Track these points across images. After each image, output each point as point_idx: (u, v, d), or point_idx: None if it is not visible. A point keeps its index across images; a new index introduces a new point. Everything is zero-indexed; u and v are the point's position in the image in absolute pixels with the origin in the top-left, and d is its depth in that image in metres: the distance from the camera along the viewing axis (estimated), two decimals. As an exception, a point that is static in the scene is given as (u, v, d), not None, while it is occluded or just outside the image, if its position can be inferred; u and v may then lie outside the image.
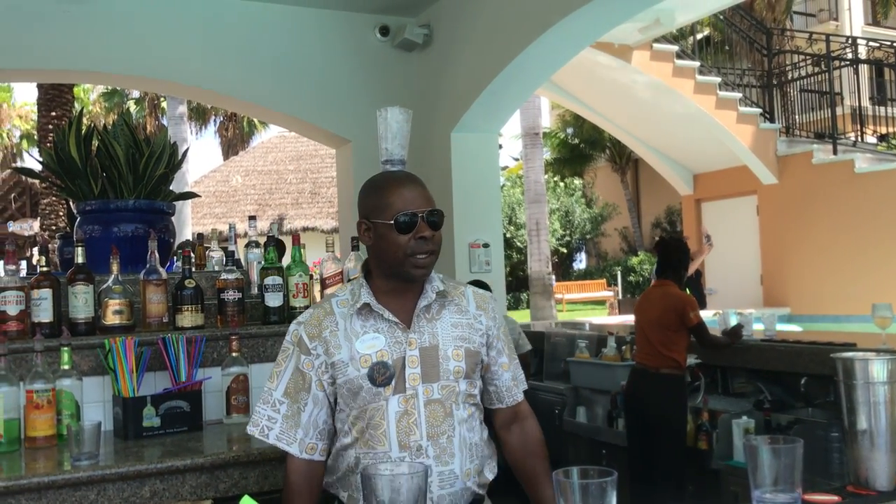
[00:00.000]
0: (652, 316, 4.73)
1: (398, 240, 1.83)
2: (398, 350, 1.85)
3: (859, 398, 1.54)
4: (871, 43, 14.01)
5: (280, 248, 3.55)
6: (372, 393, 1.82)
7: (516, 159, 28.38)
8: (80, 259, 2.89)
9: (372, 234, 1.89)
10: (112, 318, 2.91)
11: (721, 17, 12.88)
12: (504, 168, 27.87)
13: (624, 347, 5.60)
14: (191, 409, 2.75)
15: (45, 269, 2.88)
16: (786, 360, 4.53)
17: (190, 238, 4.78)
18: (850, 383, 1.55)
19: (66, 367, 2.63)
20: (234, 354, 2.89)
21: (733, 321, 5.05)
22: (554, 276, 16.77)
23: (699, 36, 14.20)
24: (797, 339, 4.73)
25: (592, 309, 21.21)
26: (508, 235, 22.22)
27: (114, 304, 2.91)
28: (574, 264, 26.92)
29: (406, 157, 2.03)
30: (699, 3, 9.90)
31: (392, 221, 1.83)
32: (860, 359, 1.54)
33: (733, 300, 11.65)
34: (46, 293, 2.83)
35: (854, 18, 23.13)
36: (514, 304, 21.53)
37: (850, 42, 13.89)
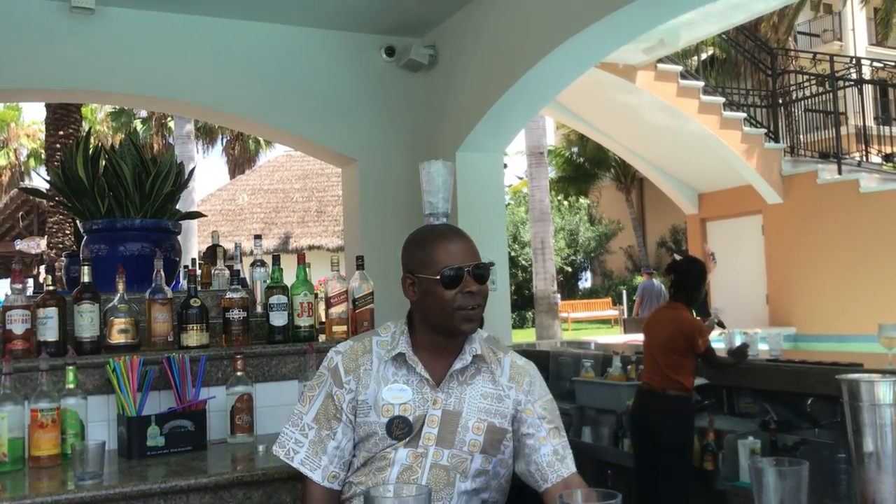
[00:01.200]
0: (660, 338, 4.71)
1: (444, 295, 1.82)
2: (422, 406, 1.83)
3: (865, 420, 1.53)
4: (875, 63, 14.05)
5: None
6: (384, 442, 1.82)
7: (520, 178, 28.44)
8: (85, 278, 2.90)
9: (417, 288, 1.87)
10: (117, 337, 2.92)
11: (725, 37, 12.94)
12: (508, 186, 27.92)
13: (629, 367, 5.58)
14: (195, 429, 2.75)
15: (51, 287, 2.90)
16: (792, 380, 4.51)
17: (195, 257, 4.80)
18: (855, 405, 1.54)
19: (71, 385, 2.63)
20: (238, 374, 2.89)
21: (738, 341, 5.04)
22: (559, 295, 16.76)
23: (703, 56, 14.25)
24: (803, 360, 4.71)
25: (598, 328, 21.17)
26: (513, 254, 22.23)
27: (119, 323, 2.92)
28: (579, 283, 26.90)
29: (449, 209, 2.03)
30: (703, 24, 9.94)
31: (438, 277, 1.82)
32: (866, 380, 1.53)
33: (739, 319, 11.61)
34: (52, 312, 2.84)
35: (858, 39, 23.21)
36: (520, 323, 21.50)
37: (853, 62, 13.93)
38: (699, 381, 4.87)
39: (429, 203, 1.96)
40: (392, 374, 1.86)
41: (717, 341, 5.13)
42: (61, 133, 11.51)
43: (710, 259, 5.53)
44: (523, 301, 21.71)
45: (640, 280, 21.91)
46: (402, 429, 1.81)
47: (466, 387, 1.87)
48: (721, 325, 5.05)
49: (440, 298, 1.82)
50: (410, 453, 1.81)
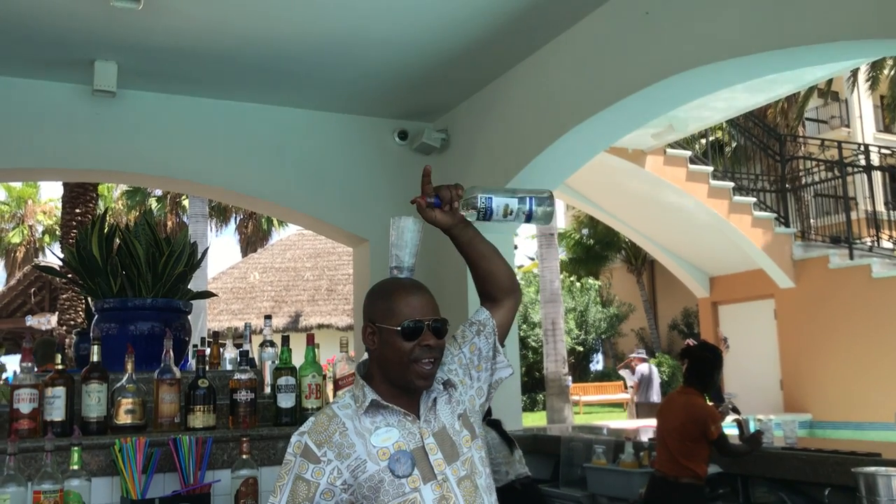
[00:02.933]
0: (673, 424, 4.63)
1: (403, 346, 1.87)
2: (413, 441, 1.87)
3: (884, 516, 1.49)
4: (882, 150, 14.19)
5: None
6: (395, 486, 1.81)
7: (531, 258, 28.52)
8: (95, 357, 2.90)
9: (377, 338, 1.92)
10: (124, 418, 2.89)
11: (734, 123, 13.13)
12: (519, 267, 27.97)
13: (642, 454, 5.47)
14: (198, 513, 2.70)
15: (59, 367, 2.89)
16: (808, 469, 4.41)
17: (205, 336, 4.79)
18: (873, 500, 1.50)
19: (76, 467, 2.60)
20: (244, 456, 2.85)
21: (752, 427, 4.94)
22: (570, 377, 16.58)
23: (711, 139, 14.45)
24: (819, 448, 4.61)
25: (610, 411, 20.84)
26: (523, 334, 22.10)
27: (126, 404, 2.90)
28: (591, 365, 26.63)
29: (415, 265, 2.06)
30: (711, 111, 10.10)
31: (399, 328, 1.88)
32: (883, 475, 1.50)
33: (753, 405, 11.43)
34: (60, 391, 2.83)
35: (866, 125, 23.51)
36: (530, 406, 21.21)
37: (862, 149, 14.07)
38: (713, 469, 4.76)
39: (395, 256, 2.01)
40: (371, 423, 1.88)
41: (730, 427, 5.04)
42: (77, 211, 11.67)
43: (723, 344, 5.43)
44: (534, 383, 21.47)
45: (653, 363, 21.70)
46: (404, 463, 1.83)
47: (439, 404, 1.96)
48: (736, 410, 4.96)
49: (398, 349, 1.87)
50: (434, 485, 1.84)
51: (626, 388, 21.69)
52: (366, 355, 3.00)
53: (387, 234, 6.37)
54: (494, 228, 5.49)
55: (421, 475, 1.83)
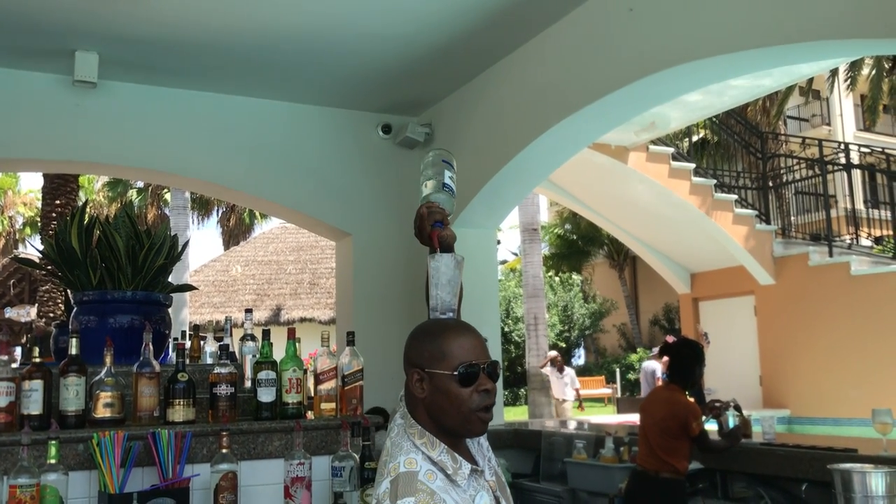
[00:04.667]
0: (654, 419, 4.66)
1: (460, 393, 1.73)
2: (490, 497, 1.76)
3: (859, 512, 1.51)
4: (862, 148, 14.32)
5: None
6: None
7: (515, 254, 28.57)
8: (73, 350, 2.88)
9: (427, 384, 1.76)
10: (102, 411, 2.87)
11: (716, 120, 13.20)
12: (503, 262, 28.01)
13: (622, 449, 5.50)
14: (177, 508, 2.69)
15: (37, 359, 2.86)
16: (786, 465, 4.45)
17: (186, 329, 4.76)
18: (849, 496, 1.52)
19: (53, 461, 2.58)
20: (224, 451, 2.83)
21: (731, 423, 4.97)
22: (552, 373, 16.63)
23: (695, 138, 14.52)
24: (797, 444, 4.66)
25: (591, 406, 20.95)
26: (506, 329, 22.15)
27: (105, 397, 2.87)
28: (573, 360, 26.74)
29: (456, 304, 1.95)
30: (693, 108, 10.15)
31: (456, 373, 1.73)
32: (858, 471, 1.52)
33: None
34: (38, 384, 2.80)
35: (846, 124, 23.72)
36: (512, 400, 21.28)
37: (842, 147, 14.20)
38: (693, 465, 4.80)
39: (436, 296, 1.88)
40: (464, 491, 1.72)
41: (710, 423, 5.08)
42: (58, 202, 11.57)
43: (704, 339, 5.45)
44: (516, 378, 21.54)
45: (633, 358, 21.82)
46: None
47: (490, 454, 1.89)
48: (738, 408, 4.95)
49: (455, 396, 1.73)
50: None
51: (607, 383, 21.85)
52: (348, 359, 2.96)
53: (370, 229, 6.37)
54: (476, 223, 5.51)
55: None
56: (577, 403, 14.94)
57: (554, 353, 14.30)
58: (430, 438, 1.76)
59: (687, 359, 4.79)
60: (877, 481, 1.49)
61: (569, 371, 13.98)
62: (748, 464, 4.71)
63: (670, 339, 5.20)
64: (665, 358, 4.99)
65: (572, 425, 7.80)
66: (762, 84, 9.39)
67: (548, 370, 13.68)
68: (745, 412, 5.23)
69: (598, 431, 6.18)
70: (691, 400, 4.78)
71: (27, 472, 2.49)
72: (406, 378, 1.82)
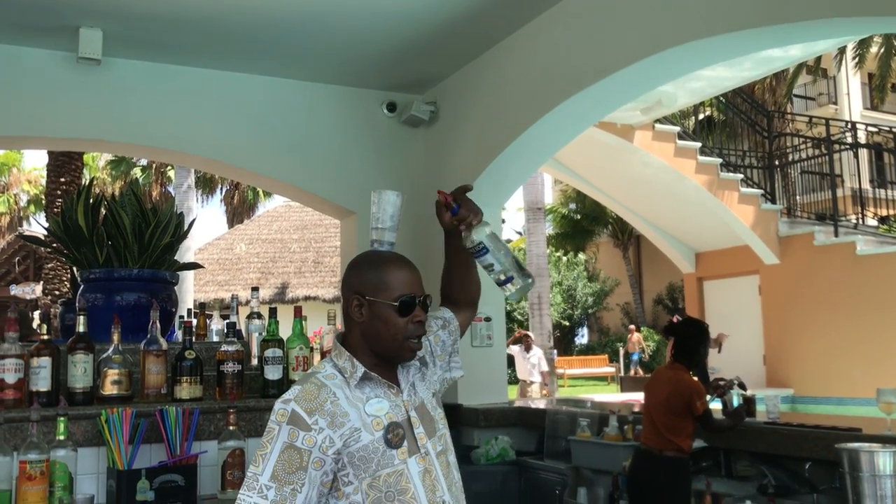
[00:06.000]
0: (659, 398, 4.67)
1: (397, 321, 1.88)
2: (400, 412, 1.89)
3: (866, 491, 1.51)
4: (870, 128, 14.23)
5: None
6: (386, 457, 1.81)
7: (519, 233, 28.55)
8: (81, 328, 2.89)
9: (366, 311, 1.90)
10: (110, 389, 2.89)
11: (722, 99, 13.12)
12: (507, 242, 27.98)
13: (626, 427, 5.52)
14: (185, 484, 2.71)
15: (45, 337, 2.88)
16: (790, 444, 4.46)
17: (191, 307, 4.75)
18: (856, 475, 1.52)
19: (62, 437, 2.60)
20: (231, 428, 2.85)
21: (735, 402, 4.99)
22: (556, 351, 16.66)
23: (700, 117, 14.44)
24: (801, 423, 4.66)
25: (594, 385, 21.01)
26: (509, 308, 22.17)
27: (112, 374, 2.89)
28: (576, 339, 26.79)
29: (395, 241, 2.08)
30: (700, 86, 10.09)
31: (397, 303, 1.88)
32: (866, 451, 1.52)
33: (736, 380, 11.54)
34: (46, 361, 2.82)
35: (853, 103, 23.57)
36: (515, 379, 21.32)
37: (849, 126, 14.11)
38: (696, 443, 4.81)
39: (377, 229, 2.01)
40: (362, 393, 1.87)
41: (715, 402, 5.09)
42: (62, 180, 11.57)
43: (716, 343, 5.34)
44: (520, 357, 21.56)
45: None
46: (397, 434, 1.84)
47: (415, 380, 1.98)
48: (742, 387, 4.97)
49: (392, 324, 1.88)
50: (418, 458, 1.86)
51: (610, 361, 21.90)
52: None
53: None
54: (481, 202, 5.48)
55: (408, 447, 1.85)
56: (545, 386, 14.39)
57: (522, 331, 13.95)
58: (342, 352, 1.92)
59: (692, 338, 4.79)
60: (884, 460, 1.49)
61: (536, 351, 13.27)
62: (752, 443, 4.72)
63: (675, 318, 5.20)
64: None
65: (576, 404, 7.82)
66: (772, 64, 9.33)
67: (514, 349, 13.02)
68: (749, 391, 5.24)
69: (602, 410, 6.20)
70: (695, 379, 4.79)
71: (37, 448, 2.51)
72: (343, 302, 1.96)
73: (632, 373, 20.01)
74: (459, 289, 2.20)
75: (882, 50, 16.29)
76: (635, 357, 20.93)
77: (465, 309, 2.22)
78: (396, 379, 1.94)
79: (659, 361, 18.64)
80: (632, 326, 22.19)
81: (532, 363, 13.06)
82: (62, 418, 2.60)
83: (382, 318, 1.89)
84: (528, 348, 13.13)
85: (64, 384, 2.88)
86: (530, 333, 13.67)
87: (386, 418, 1.85)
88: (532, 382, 13.10)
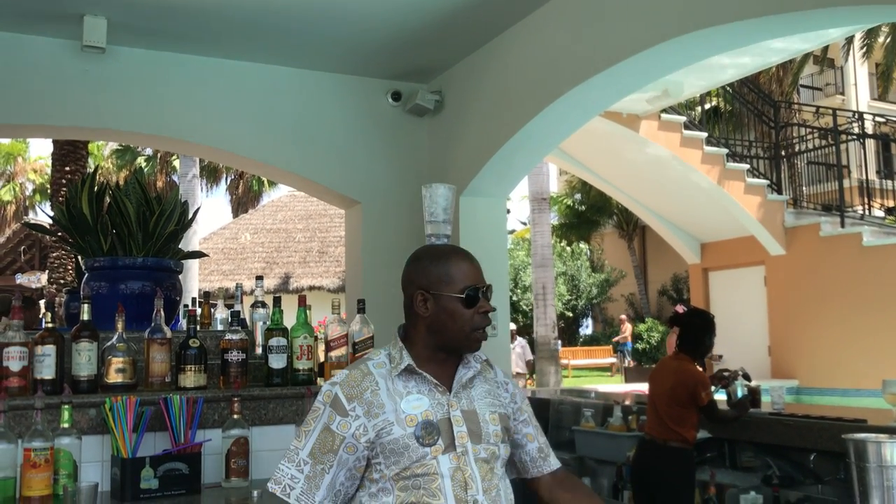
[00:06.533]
0: (663, 388, 4.66)
1: (464, 313, 1.90)
2: (441, 411, 1.88)
3: (872, 482, 1.50)
4: (877, 118, 14.16)
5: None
6: (418, 453, 1.82)
7: (524, 223, 28.52)
8: (85, 316, 2.89)
9: (432, 304, 1.91)
10: (114, 377, 2.89)
11: (729, 89, 13.06)
12: (511, 231, 27.98)
13: (630, 417, 5.52)
14: (189, 472, 2.71)
15: (50, 325, 2.88)
16: (794, 435, 4.46)
17: (196, 295, 4.76)
18: (862, 466, 1.51)
19: (66, 425, 2.60)
20: (235, 416, 2.85)
21: (740, 393, 4.98)
22: (560, 342, 16.67)
23: (707, 107, 14.38)
24: (806, 414, 4.66)
25: (598, 375, 21.03)
26: (514, 298, 22.17)
27: (117, 363, 2.89)
28: (580, 329, 26.79)
29: (450, 232, 2.08)
30: (707, 76, 10.04)
31: (463, 295, 1.90)
32: (873, 441, 1.51)
33: (741, 371, 11.53)
34: (50, 349, 2.82)
35: (860, 93, 23.45)
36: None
37: (856, 117, 14.04)
38: (701, 434, 4.81)
39: (432, 224, 1.99)
40: (403, 387, 1.88)
41: (720, 393, 5.08)
42: (67, 169, 11.57)
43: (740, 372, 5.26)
44: (525, 348, 21.59)
45: (641, 328, 21.84)
46: (430, 432, 1.84)
47: (470, 389, 1.96)
48: (747, 377, 4.96)
49: (459, 316, 1.90)
50: (452, 456, 1.84)
51: (614, 352, 21.91)
52: (354, 324, 2.99)
53: (379, 196, 6.33)
54: (486, 192, 5.48)
55: (443, 444, 1.84)
56: (529, 376, 14.44)
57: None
58: (396, 342, 1.95)
59: (697, 329, 4.78)
60: (892, 451, 1.48)
61: (520, 341, 13.46)
62: (756, 433, 4.72)
63: (680, 308, 5.18)
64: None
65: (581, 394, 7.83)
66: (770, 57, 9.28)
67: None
68: (753, 382, 5.23)
69: (606, 400, 6.20)
70: (700, 369, 4.78)
71: (41, 436, 2.51)
72: (405, 298, 1.97)
73: (626, 363, 20.12)
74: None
75: (889, 40, 16.20)
76: (628, 347, 21.06)
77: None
78: (450, 379, 1.94)
79: (663, 352, 18.62)
80: (622, 316, 22.29)
81: (517, 353, 13.32)
82: (66, 406, 2.61)
83: (448, 311, 1.90)
84: (511, 338, 13.24)
85: (68, 372, 2.88)
86: (512, 324, 13.72)
87: (421, 416, 1.85)
88: (516, 373, 13.26)
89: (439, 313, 1.91)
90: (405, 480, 1.82)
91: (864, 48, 16.31)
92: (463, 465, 1.85)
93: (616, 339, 21.80)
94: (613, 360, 21.71)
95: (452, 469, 1.84)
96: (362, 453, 1.84)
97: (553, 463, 2.09)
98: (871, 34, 15.97)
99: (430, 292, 1.91)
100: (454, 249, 2.01)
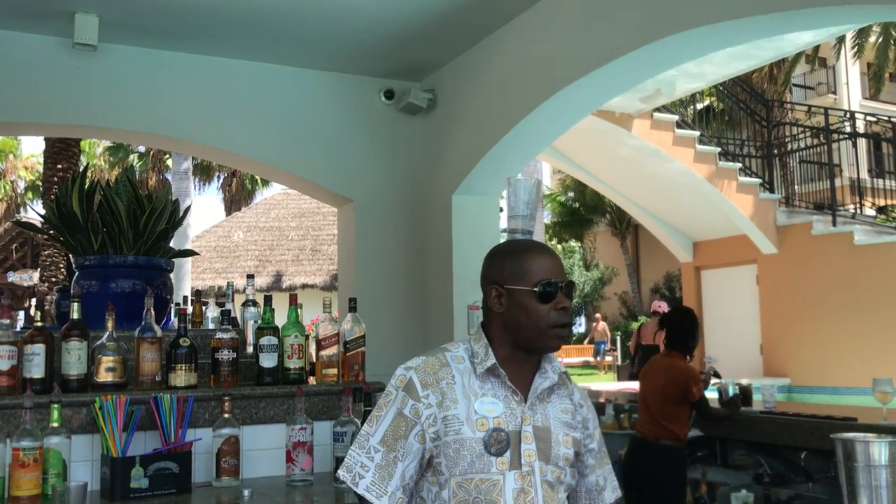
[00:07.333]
0: (655, 386, 4.68)
1: (539, 309, 1.81)
2: (513, 422, 1.78)
3: (861, 481, 1.50)
4: (868, 117, 14.21)
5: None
6: (482, 461, 1.73)
7: (517, 222, 28.50)
8: (75, 315, 2.88)
9: (506, 300, 1.84)
10: (104, 376, 2.88)
11: (721, 87, 13.08)
12: (504, 230, 27.99)
13: (622, 416, 5.53)
14: (180, 471, 2.71)
15: (39, 323, 2.87)
16: (785, 433, 4.47)
17: (188, 294, 4.73)
18: (850, 465, 1.52)
19: (56, 424, 2.59)
20: (225, 416, 2.85)
21: (731, 392, 5.00)
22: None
23: (699, 106, 14.40)
24: (797, 413, 4.68)
25: (591, 373, 21.06)
26: (507, 297, 22.16)
27: (107, 361, 2.88)
28: (573, 328, 26.83)
29: (533, 229, 1.99)
30: (699, 75, 10.05)
31: (537, 289, 1.80)
32: (861, 440, 1.51)
33: (733, 369, 11.56)
34: (39, 348, 2.81)
35: (852, 93, 23.53)
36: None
37: (848, 116, 14.09)
38: (692, 432, 4.83)
39: (512, 218, 1.96)
40: (479, 388, 1.80)
41: (711, 391, 5.10)
42: (59, 166, 11.53)
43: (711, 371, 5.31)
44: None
45: (634, 326, 21.88)
46: (500, 442, 1.74)
47: (547, 404, 1.86)
48: (717, 375, 5.02)
49: (534, 312, 1.80)
50: (517, 475, 1.75)
51: (608, 350, 21.95)
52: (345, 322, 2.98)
53: (372, 195, 6.31)
54: (479, 190, 5.48)
55: (510, 460, 1.75)
56: None
57: None
58: (481, 337, 1.87)
59: (686, 325, 4.81)
60: (879, 450, 1.48)
61: None
62: (748, 432, 4.73)
63: (660, 305, 5.22)
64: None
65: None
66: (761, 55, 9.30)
67: None
68: (745, 381, 5.25)
69: (597, 398, 6.21)
70: (691, 365, 4.80)
71: (30, 436, 2.50)
72: (483, 295, 1.89)
73: (599, 360, 20.30)
74: None
75: (880, 39, 16.24)
76: (603, 346, 21.19)
77: None
78: (526, 385, 1.84)
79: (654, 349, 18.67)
80: (598, 315, 22.41)
81: None
82: (56, 405, 2.60)
83: (522, 307, 1.81)
84: None
85: (58, 371, 2.87)
86: None
87: (493, 422, 1.76)
88: None
89: (513, 309, 1.82)
90: (466, 494, 1.73)
91: (856, 48, 16.35)
92: (528, 487, 1.75)
93: (588, 339, 22.02)
94: (607, 358, 21.76)
95: (517, 491, 1.74)
96: (429, 445, 1.75)
97: (607, 498, 1.97)
98: (862, 34, 16.01)
99: (504, 287, 1.83)
100: (531, 244, 1.92)
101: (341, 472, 1.78)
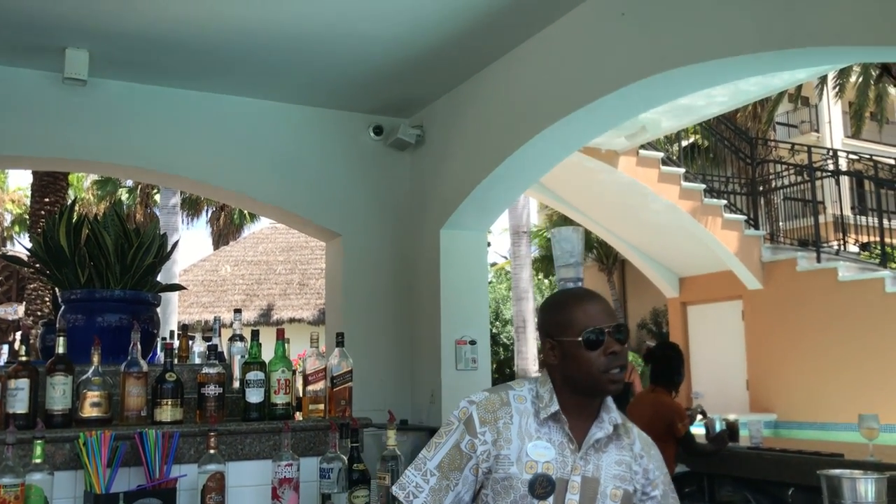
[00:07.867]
0: (641, 422, 4.66)
1: (588, 357, 1.83)
2: (563, 469, 1.82)
3: (846, 517, 1.51)
4: (850, 155, 14.41)
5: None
6: (525, 502, 1.78)
7: (504, 256, 28.57)
8: (60, 349, 2.86)
9: (558, 352, 1.88)
10: (89, 411, 2.86)
11: (706, 125, 13.24)
12: (493, 264, 28.02)
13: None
14: (164, 508, 2.67)
15: (24, 358, 2.84)
16: (772, 469, 4.47)
17: (175, 328, 4.71)
18: (837, 502, 1.52)
19: (38, 460, 2.56)
20: (211, 451, 2.82)
21: (718, 427, 5.00)
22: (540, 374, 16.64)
23: (685, 143, 14.56)
24: (784, 448, 4.68)
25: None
26: (495, 331, 22.11)
27: (92, 396, 2.86)
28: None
29: (582, 275, 2.03)
30: (684, 113, 10.18)
31: (580, 339, 1.83)
32: (847, 477, 1.52)
33: (719, 405, 11.55)
34: (24, 383, 2.78)
35: (834, 131, 23.84)
36: (500, 403, 21.21)
37: (830, 154, 14.27)
38: (679, 468, 4.81)
39: (560, 268, 2.01)
40: (535, 430, 1.84)
41: (697, 427, 5.09)
42: (47, 200, 11.50)
43: (698, 409, 5.35)
44: (505, 380, 21.36)
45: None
46: (544, 487, 1.78)
47: (602, 454, 1.88)
48: (703, 413, 5.02)
49: (584, 361, 1.83)
50: None
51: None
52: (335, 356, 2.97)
53: (360, 229, 6.34)
54: (467, 225, 5.51)
55: (549, 499, 1.78)
56: None
57: None
58: (546, 381, 1.91)
59: (672, 361, 4.83)
60: (865, 487, 1.49)
61: None
62: (735, 468, 4.73)
63: (649, 344, 5.27)
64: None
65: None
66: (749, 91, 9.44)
67: None
68: (732, 416, 5.25)
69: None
70: (676, 401, 4.80)
71: (12, 472, 2.47)
72: (542, 348, 1.95)
73: None
74: None
75: (860, 79, 16.52)
76: None
77: None
78: (583, 433, 1.87)
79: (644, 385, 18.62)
80: None
81: None
82: (39, 441, 2.57)
83: (573, 357, 1.85)
84: None
85: (42, 406, 2.84)
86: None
87: (542, 467, 1.80)
88: None
89: (566, 360, 1.86)
90: None
91: (837, 87, 16.61)
92: None
93: None
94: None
95: None
96: (481, 477, 1.82)
97: None
98: (843, 74, 16.28)
99: (556, 339, 1.88)
100: (574, 293, 1.95)
101: (395, 489, 1.85)
